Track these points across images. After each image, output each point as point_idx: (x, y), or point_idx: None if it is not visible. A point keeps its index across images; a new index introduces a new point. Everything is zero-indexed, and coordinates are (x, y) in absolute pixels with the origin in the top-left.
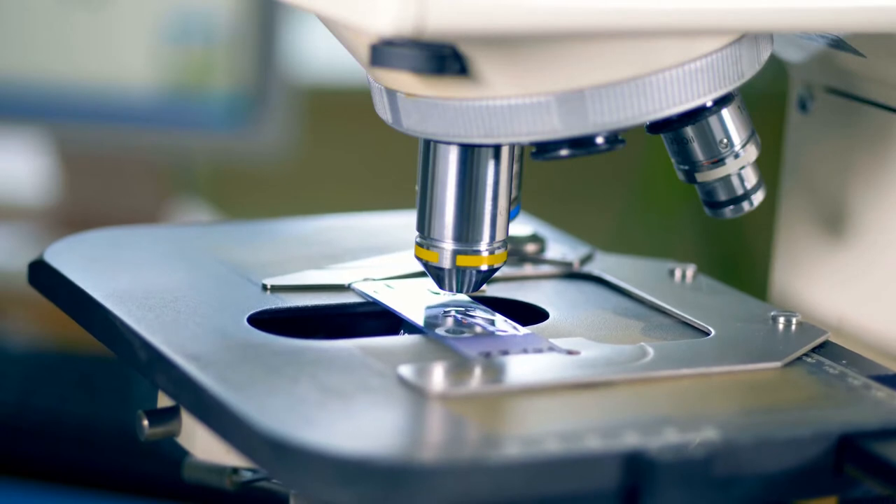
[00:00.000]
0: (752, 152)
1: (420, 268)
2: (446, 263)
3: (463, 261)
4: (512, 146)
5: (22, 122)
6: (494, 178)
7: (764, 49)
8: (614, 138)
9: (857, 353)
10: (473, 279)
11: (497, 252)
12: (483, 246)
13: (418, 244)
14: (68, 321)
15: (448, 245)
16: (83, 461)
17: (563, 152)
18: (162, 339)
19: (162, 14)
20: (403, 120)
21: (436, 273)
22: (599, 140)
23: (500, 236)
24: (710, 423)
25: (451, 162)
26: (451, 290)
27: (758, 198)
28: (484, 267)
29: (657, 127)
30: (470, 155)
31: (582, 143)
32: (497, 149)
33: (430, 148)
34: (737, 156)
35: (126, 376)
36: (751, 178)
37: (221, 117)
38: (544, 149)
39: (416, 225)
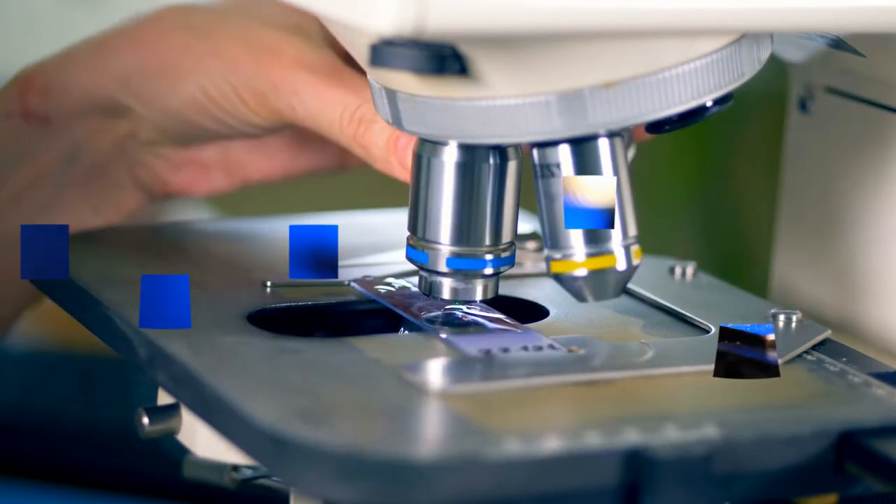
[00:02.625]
0: None
1: None
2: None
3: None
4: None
5: None
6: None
7: (764, 49)
8: None
9: (858, 350)
10: None
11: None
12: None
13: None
14: (68, 321)
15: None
16: (83, 461)
17: None
18: (162, 335)
19: None
20: (403, 120)
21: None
22: None
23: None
24: (710, 420)
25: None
26: None
27: None
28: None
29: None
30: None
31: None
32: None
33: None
34: None
35: (126, 376)
36: None
37: None
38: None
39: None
